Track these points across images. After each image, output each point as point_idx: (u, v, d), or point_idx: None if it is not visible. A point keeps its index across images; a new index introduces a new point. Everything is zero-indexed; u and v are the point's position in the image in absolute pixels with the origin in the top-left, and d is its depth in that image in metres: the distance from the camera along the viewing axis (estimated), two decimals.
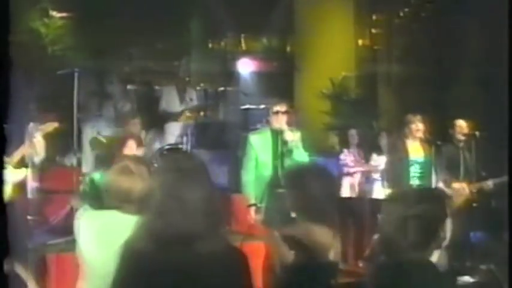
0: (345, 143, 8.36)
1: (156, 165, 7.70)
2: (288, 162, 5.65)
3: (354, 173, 8.01)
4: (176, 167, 2.57)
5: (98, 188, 5.31)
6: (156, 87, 10.95)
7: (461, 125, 7.40)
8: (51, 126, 5.62)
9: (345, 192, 7.98)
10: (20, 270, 4.89)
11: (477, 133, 7.22)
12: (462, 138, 7.34)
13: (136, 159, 3.85)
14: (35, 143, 5.39)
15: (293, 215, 3.29)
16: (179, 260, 2.42)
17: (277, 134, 5.80)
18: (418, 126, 7.07)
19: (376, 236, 7.84)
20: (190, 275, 2.42)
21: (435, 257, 2.57)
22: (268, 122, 5.97)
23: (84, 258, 3.24)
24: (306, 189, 3.22)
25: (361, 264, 7.71)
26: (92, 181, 6.26)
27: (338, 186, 3.38)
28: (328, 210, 3.26)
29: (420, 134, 7.09)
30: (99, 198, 3.59)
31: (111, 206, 3.34)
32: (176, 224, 2.44)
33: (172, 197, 2.46)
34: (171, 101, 9.68)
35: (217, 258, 2.44)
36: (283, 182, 3.80)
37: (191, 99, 9.88)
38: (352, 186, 7.99)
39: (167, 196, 2.48)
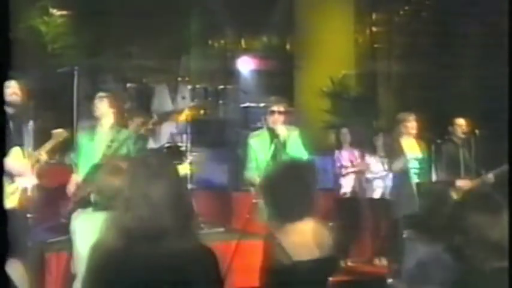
0: (338, 142, 8.28)
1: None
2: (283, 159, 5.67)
3: (350, 172, 7.97)
4: (145, 164, 2.57)
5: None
6: (156, 86, 10.96)
7: (461, 123, 7.42)
8: (60, 136, 5.73)
9: (341, 191, 7.96)
10: (14, 271, 4.89)
11: (477, 131, 7.23)
12: (462, 136, 7.35)
13: (126, 157, 3.87)
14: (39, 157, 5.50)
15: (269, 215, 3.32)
16: (147, 257, 2.41)
17: (273, 133, 5.81)
18: (412, 124, 7.11)
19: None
20: (158, 271, 2.41)
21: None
22: (265, 121, 5.98)
23: (79, 258, 3.24)
24: (280, 190, 3.22)
25: (360, 262, 7.74)
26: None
27: (315, 181, 3.34)
28: (313, 206, 3.27)
29: (415, 132, 7.13)
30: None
31: (104, 205, 3.35)
32: (143, 220, 2.43)
33: (140, 193, 2.46)
34: (163, 99, 9.71)
35: (185, 255, 2.43)
36: (259, 187, 3.83)
37: (183, 98, 9.88)
38: (348, 186, 7.97)
39: (135, 192, 2.48)
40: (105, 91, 6.35)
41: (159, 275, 2.41)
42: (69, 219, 5.16)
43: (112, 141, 5.77)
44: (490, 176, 7.20)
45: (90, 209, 4.16)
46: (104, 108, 6.01)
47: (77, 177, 5.95)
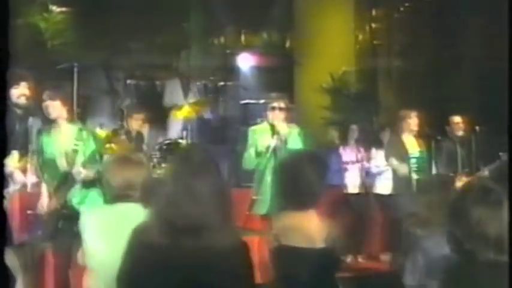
0: (344, 138, 8.31)
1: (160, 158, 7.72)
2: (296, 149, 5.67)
3: (354, 168, 7.99)
4: (188, 159, 2.62)
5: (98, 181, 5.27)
6: (157, 82, 10.96)
7: (461, 120, 7.42)
8: None
9: (346, 187, 7.97)
10: (12, 262, 4.89)
11: (477, 128, 7.24)
12: (461, 133, 7.36)
13: (132, 149, 3.87)
14: None
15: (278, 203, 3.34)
16: (187, 251, 2.46)
17: (274, 128, 5.82)
18: (414, 121, 7.12)
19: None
20: (197, 265, 2.45)
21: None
22: (266, 117, 5.98)
23: (92, 255, 3.22)
24: (293, 179, 3.25)
25: (362, 259, 7.75)
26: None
27: (328, 174, 3.37)
28: (319, 199, 3.29)
29: (415, 129, 7.13)
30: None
31: (114, 197, 3.34)
32: (186, 215, 2.48)
33: (184, 188, 2.51)
34: (175, 94, 9.70)
35: (224, 250, 2.48)
36: (273, 172, 3.85)
37: (194, 93, 9.92)
38: (352, 182, 7.98)
39: (178, 187, 2.52)
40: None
41: (200, 270, 2.46)
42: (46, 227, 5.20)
43: (77, 139, 5.39)
44: (486, 172, 7.21)
45: (100, 204, 4.16)
46: (58, 108, 5.47)
47: (45, 188, 5.47)
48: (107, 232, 3.17)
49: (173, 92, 9.91)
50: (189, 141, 8.08)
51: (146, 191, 3.22)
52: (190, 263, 2.46)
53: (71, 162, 5.37)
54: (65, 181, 5.39)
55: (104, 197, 4.80)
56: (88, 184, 5.40)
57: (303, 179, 3.23)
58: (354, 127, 8.20)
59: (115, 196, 3.33)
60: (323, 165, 3.47)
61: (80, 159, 5.40)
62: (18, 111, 5.23)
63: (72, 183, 5.38)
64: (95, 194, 5.34)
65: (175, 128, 9.32)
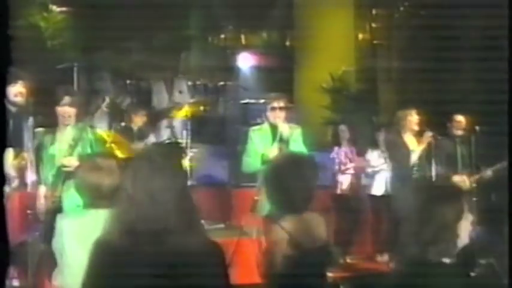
0: (336, 139, 8.27)
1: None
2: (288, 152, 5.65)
3: (348, 169, 7.96)
4: (148, 159, 2.54)
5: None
6: (157, 82, 10.96)
7: (461, 119, 7.43)
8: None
9: (341, 188, 7.96)
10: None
11: (477, 127, 7.24)
12: (461, 132, 7.36)
13: (106, 154, 3.85)
14: None
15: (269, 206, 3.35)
16: (152, 254, 2.38)
17: (275, 129, 5.81)
18: (414, 120, 7.13)
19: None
20: (164, 268, 2.38)
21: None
22: (266, 117, 5.97)
23: (65, 258, 3.23)
24: (282, 183, 3.26)
25: (361, 259, 7.75)
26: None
27: (317, 175, 3.37)
28: (310, 201, 3.30)
29: (416, 128, 7.14)
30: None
31: (85, 203, 3.35)
32: (148, 217, 2.40)
33: (144, 189, 2.43)
34: (160, 95, 9.73)
35: (192, 250, 2.40)
36: (261, 178, 3.87)
37: (180, 92, 9.88)
38: (347, 183, 7.97)
39: (139, 188, 2.44)
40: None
41: (165, 272, 2.38)
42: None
43: (74, 140, 5.37)
44: (488, 172, 7.22)
45: (76, 209, 4.13)
46: (66, 109, 5.47)
47: (42, 187, 5.50)
48: (80, 239, 3.13)
49: (159, 93, 9.93)
50: (189, 141, 8.08)
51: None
52: (155, 266, 2.38)
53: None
54: (59, 179, 5.38)
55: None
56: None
57: (293, 183, 3.24)
58: (343, 127, 8.16)
59: (87, 203, 3.33)
60: (314, 168, 3.47)
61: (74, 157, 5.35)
62: (14, 109, 5.24)
63: (67, 182, 5.36)
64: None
65: (175, 128, 9.32)
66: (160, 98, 10.02)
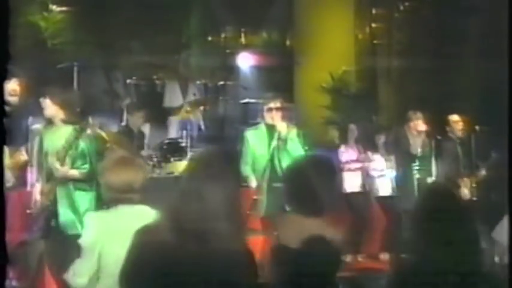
0: (344, 138, 8.30)
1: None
2: (283, 156, 5.68)
3: (354, 168, 7.97)
4: (206, 163, 2.64)
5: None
6: (157, 82, 10.95)
7: (461, 119, 7.43)
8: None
9: (346, 187, 7.96)
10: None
11: (477, 127, 7.24)
12: (461, 132, 7.37)
13: (129, 150, 3.86)
14: None
15: (288, 208, 3.32)
16: (195, 255, 2.44)
17: (271, 129, 5.81)
18: (418, 122, 7.15)
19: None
20: (204, 271, 2.44)
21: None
22: (262, 118, 5.97)
23: (96, 257, 3.22)
24: (303, 184, 3.24)
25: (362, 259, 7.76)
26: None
27: (339, 179, 3.38)
28: (328, 203, 3.28)
29: (420, 130, 7.16)
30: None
31: (113, 199, 3.34)
32: (196, 219, 2.45)
33: (196, 193, 2.49)
34: (173, 96, 9.71)
35: (232, 256, 2.47)
36: (281, 176, 3.84)
37: (194, 94, 9.91)
38: (353, 182, 7.97)
39: (190, 192, 2.51)
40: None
41: (204, 275, 2.43)
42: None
43: (67, 141, 5.30)
44: (483, 172, 7.24)
45: (91, 205, 4.14)
46: (51, 108, 5.42)
47: (39, 185, 5.51)
48: (112, 236, 3.17)
49: (172, 94, 9.91)
50: (189, 140, 8.08)
51: (145, 193, 3.23)
52: (195, 267, 2.44)
53: (62, 161, 5.31)
54: (52, 179, 5.37)
55: (96, 199, 4.81)
56: (77, 184, 5.36)
57: (313, 185, 3.23)
58: (353, 127, 8.19)
59: (115, 199, 3.32)
60: (333, 170, 3.47)
61: (68, 158, 5.33)
62: (8, 107, 5.22)
63: (60, 182, 5.34)
64: (82, 194, 5.33)
65: (176, 128, 9.32)
66: (173, 98, 10.02)
